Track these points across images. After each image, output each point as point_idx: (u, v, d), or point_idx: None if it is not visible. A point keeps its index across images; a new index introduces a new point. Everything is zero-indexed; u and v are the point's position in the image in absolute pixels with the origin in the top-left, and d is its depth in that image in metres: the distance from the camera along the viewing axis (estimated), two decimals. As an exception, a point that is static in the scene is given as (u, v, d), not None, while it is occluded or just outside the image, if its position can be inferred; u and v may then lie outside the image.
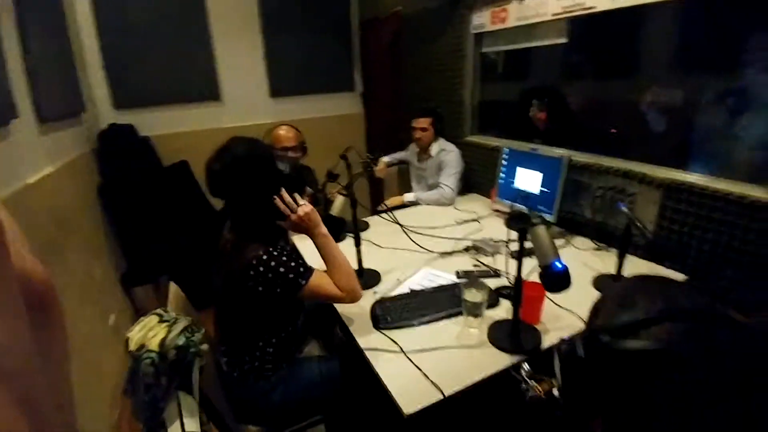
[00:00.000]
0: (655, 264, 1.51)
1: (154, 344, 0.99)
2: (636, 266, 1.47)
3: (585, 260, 1.58)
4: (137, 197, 2.55)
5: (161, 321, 1.06)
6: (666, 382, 0.43)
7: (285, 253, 1.12)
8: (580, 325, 1.19)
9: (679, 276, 1.43)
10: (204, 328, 1.22)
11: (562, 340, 0.55)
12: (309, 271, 1.14)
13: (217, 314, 1.29)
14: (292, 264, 1.11)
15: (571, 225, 1.82)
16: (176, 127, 3.04)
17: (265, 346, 1.21)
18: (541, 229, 0.98)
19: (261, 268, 1.07)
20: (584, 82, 2.23)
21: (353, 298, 1.20)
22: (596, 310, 0.54)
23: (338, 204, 1.39)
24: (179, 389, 1.01)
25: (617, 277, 1.35)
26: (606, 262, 1.53)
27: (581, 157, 1.79)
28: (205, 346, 1.14)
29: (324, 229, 1.22)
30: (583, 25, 1.80)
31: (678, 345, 0.43)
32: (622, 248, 1.34)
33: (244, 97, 3.18)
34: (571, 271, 0.96)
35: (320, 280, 1.15)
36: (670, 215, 1.49)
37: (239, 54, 3.09)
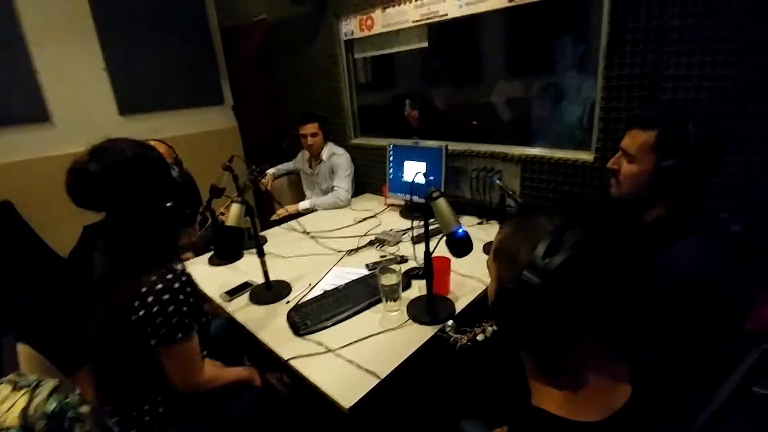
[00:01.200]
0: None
1: (12, 418, 0.77)
2: (513, 231, 1.72)
3: (473, 234, 1.69)
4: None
5: (17, 388, 0.83)
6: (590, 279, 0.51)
7: (184, 286, 0.92)
8: (481, 287, 1.33)
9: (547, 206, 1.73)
10: (78, 389, 0.99)
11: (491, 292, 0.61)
12: (192, 328, 0.96)
13: (96, 366, 1.04)
14: (184, 309, 0.92)
15: (456, 207, 1.95)
16: (-12, 160, 2.38)
17: (167, 387, 1.00)
18: (442, 201, 1.07)
19: (150, 298, 0.88)
20: (445, 82, 2.52)
21: (188, 390, 1.01)
22: (507, 252, 0.59)
23: (234, 212, 1.27)
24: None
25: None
26: (488, 232, 1.76)
27: (455, 146, 2.01)
28: (85, 408, 0.93)
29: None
30: (440, 31, 2.05)
31: (586, 242, 0.51)
32: (501, 217, 1.55)
33: (83, 117, 2.64)
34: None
35: (196, 351, 0.99)
36: (530, 183, 1.79)
37: (70, 64, 2.55)
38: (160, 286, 0.88)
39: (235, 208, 1.28)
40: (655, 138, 0.89)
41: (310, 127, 2.35)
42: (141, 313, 0.87)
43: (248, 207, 1.34)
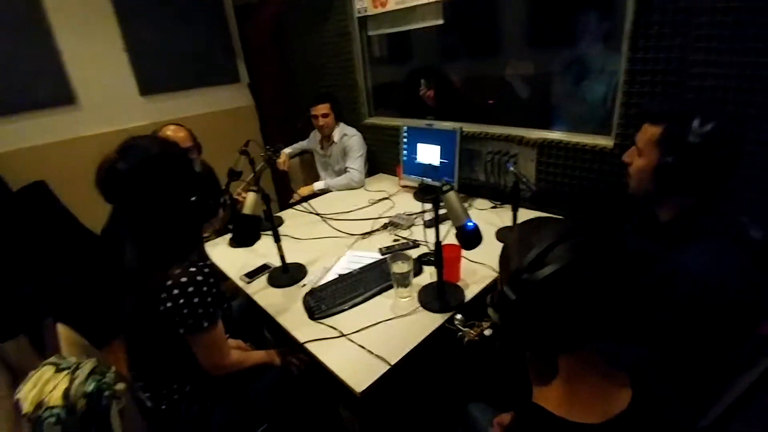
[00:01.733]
0: (540, 212, 1.78)
1: (55, 398, 0.86)
2: (527, 216, 1.67)
3: (486, 218, 1.78)
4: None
5: (59, 370, 0.91)
6: (577, 288, 0.53)
7: (207, 277, 0.98)
8: (492, 275, 1.35)
9: (558, 218, 1.70)
10: (114, 366, 1.08)
11: (491, 294, 0.63)
12: (217, 316, 1.02)
13: (128, 345, 1.14)
14: (209, 299, 0.98)
15: (470, 189, 2.02)
16: (22, 142, 2.48)
17: (193, 368, 1.08)
18: (452, 195, 1.08)
19: (176, 291, 0.94)
20: (462, 60, 2.44)
21: (217, 372, 1.10)
22: (506, 259, 0.63)
23: (250, 201, 1.31)
24: (99, 442, 0.89)
25: (514, 228, 1.56)
26: (502, 216, 1.76)
27: (470, 128, 1.98)
28: (121, 386, 1.02)
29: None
30: (456, 6, 1.96)
31: (573, 258, 0.53)
32: (514, 203, 1.54)
33: (107, 98, 2.72)
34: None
35: (222, 336, 1.06)
36: (545, 168, 1.76)
37: (92, 47, 2.59)
38: (184, 279, 0.94)
39: (250, 197, 1.32)
40: (660, 133, 0.87)
41: (322, 108, 2.34)
42: (168, 305, 0.94)
43: (264, 195, 1.38)
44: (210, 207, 1.06)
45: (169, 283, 0.94)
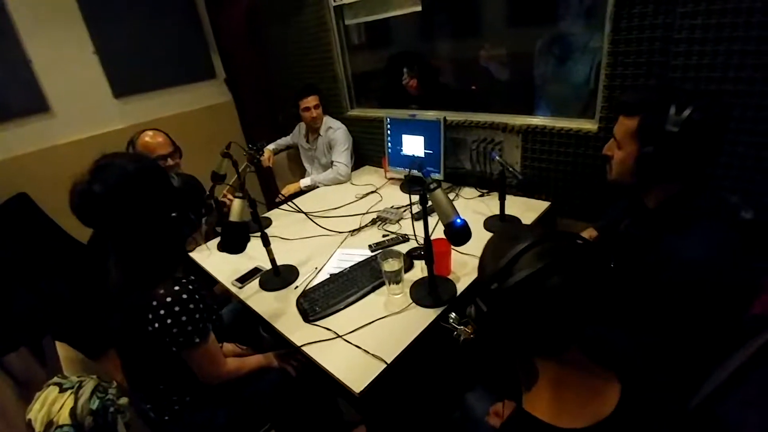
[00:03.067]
0: (527, 198, 1.79)
1: (63, 417, 0.88)
2: (514, 203, 1.73)
3: (473, 208, 1.79)
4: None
5: (63, 390, 0.93)
6: (549, 294, 0.54)
7: (192, 294, 0.97)
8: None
9: (545, 203, 1.73)
10: (114, 381, 1.08)
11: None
12: (207, 330, 1.02)
13: (122, 361, 1.13)
14: (197, 315, 0.97)
15: (456, 178, 2.03)
16: (-1, 154, 2.41)
17: (190, 380, 1.09)
18: (439, 192, 1.08)
19: (162, 311, 0.93)
20: (443, 45, 2.40)
21: (215, 382, 1.12)
22: (482, 268, 0.64)
23: (236, 208, 1.30)
24: (108, 456, 0.91)
25: (502, 217, 1.57)
26: (490, 205, 1.77)
27: (454, 116, 1.97)
28: (124, 400, 1.03)
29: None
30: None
31: (541, 266, 0.54)
32: (500, 191, 1.55)
33: (80, 104, 2.62)
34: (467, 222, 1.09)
35: (216, 347, 1.07)
36: (531, 154, 1.76)
37: (62, 52, 2.49)
38: (169, 299, 0.93)
39: (237, 203, 1.30)
40: (637, 124, 0.88)
41: (312, 100, 2.31)
42: (156, 325, 0.93)
43: (250, 200, 1.36)
44: (191, 221, 1.04)
45: (155, 303, 0.93)
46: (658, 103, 0.85)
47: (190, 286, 0.97)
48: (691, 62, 1.22)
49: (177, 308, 0.93)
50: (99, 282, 1.05)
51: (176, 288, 0.95)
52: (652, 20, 1.26)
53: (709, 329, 0.84)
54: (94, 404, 0.94)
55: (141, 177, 0.92)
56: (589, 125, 1.56)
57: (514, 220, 1.59)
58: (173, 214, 0.97)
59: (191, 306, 0.96)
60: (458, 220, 1.07)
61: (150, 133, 1.81)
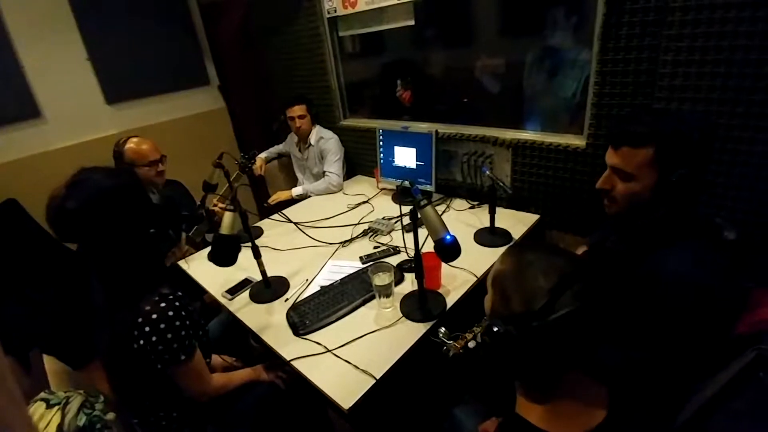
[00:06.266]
0: (516, 211, 1.82)
1: None
2: (504, 215, 1.75)
3: (464, 219, 1.81)
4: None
5: (49, 406, 0.92)
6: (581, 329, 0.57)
7: (178, 311, 0.96)
8: (472, 279, 1.38)
9: (535, 216, 1.75)
10: (101, 395, 1.07)
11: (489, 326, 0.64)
12: (193, 347, 1.01)
13: (109, 376, 1.12)
14: (182, 333, 0.97)
15: (447, 190, 2.05)
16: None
17: (177, 396, 1.08)
18: (429, 209, 1.10)
19: (147, 328, 0.92)
20: (436, 58, 2.42)
21: (202, 399, 1.11)
22: (502, 292, 0.63)
23: (227, 221, 1.30)
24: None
25: (492, 230, 1.59)
26: (480, 217, 1.79)
27: (446, 129, 1.99)
28: (111, 416, 1.02)
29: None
30: (428, 6, 1.94)
31: (580, 305, 0.56)
32: (491, 205, 1.57)
33: (72, 110, 2.60)
34: (456, 234, 1.11)
35: (202, 364, 1.07)
36: (521, 168, 1.79)
37: (55, 58, 2.47)
38: (155, 316, 0.93)
39: (228, 216, 1.30)
40: (654, 153, 0.87)
41: (298, 110, 2.32)
42: (141, 342, 0.93)
43: (242, 212, 1.36)
44: (170, 236, 1.04)
45: (140, 320, 0.92)
46: (670, 128, 0.86)
47: (177, 303, 0.97)
48: (676, 83, 1.25)
49: (162, 326, 0.93)
50: (85, 294, 1.05)
51: (162, 305, 0.94)
52: (639, 42, 1.30)
53: (696, 345, 0.86)
54: (81, 421, 0.93)
55: (116, 194, 0.91)
56: (577, 141, 1.59)
57: (505, 233, 1.61)
58: (151, 231, 0.97)
59: (177, 323, 0.95)
60: (448, 237, 1.08)
61: (135, 139, 1.79)
